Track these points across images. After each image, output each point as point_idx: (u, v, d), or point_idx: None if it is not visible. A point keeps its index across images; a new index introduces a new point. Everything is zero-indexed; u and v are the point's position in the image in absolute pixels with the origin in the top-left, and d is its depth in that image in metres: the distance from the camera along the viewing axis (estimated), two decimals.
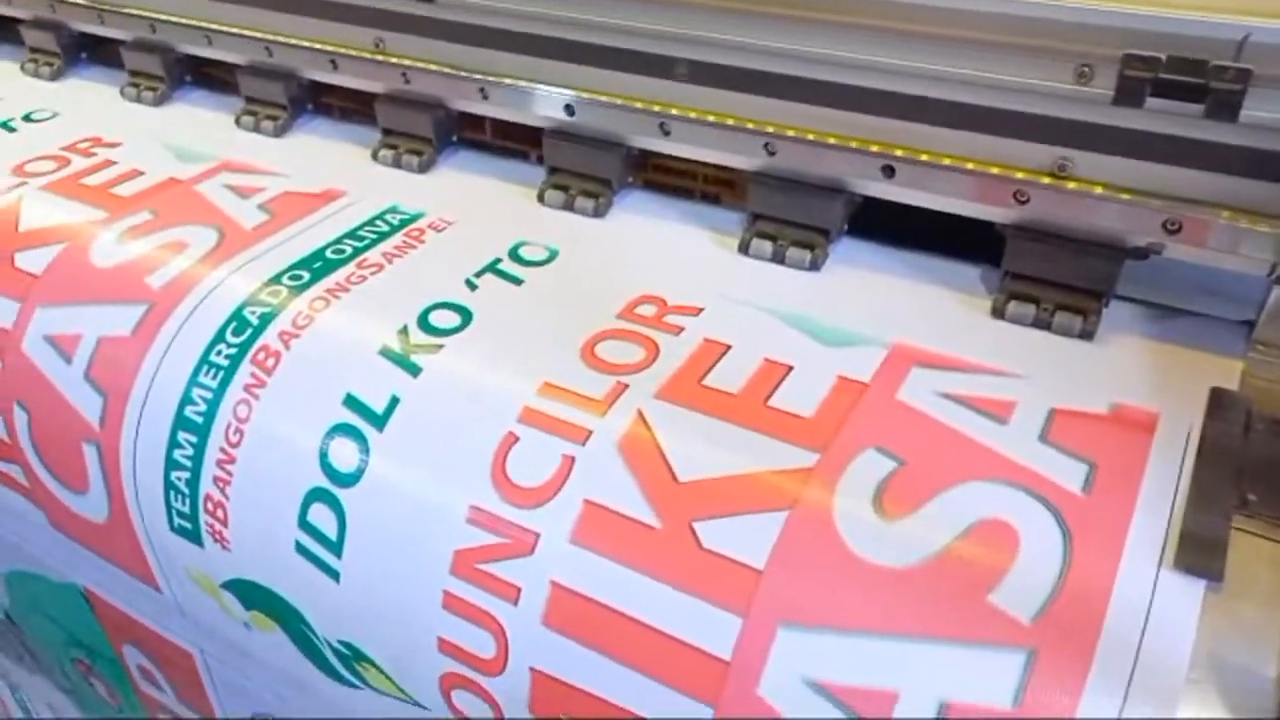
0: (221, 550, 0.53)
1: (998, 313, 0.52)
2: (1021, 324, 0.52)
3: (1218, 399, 0.45)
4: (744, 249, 0.58)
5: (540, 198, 0.64)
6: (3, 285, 0.61)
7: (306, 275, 0.55)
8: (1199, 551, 0.38)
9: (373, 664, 0.50)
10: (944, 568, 0.38)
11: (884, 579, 0.38)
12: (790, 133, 0.56)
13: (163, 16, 0.79)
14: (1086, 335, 0.50)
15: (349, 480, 0.48)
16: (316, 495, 0.49)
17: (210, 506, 0.52)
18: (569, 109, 0.62)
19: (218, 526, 0.53)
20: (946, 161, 0.52)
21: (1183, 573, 0.37)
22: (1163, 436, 0.43)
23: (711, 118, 0.58)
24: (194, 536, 0.54)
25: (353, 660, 0.51)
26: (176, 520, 0.55)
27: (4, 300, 0.60)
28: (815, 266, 0.57)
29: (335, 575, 0.49)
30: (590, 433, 0.45)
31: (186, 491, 0.53)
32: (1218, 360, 0.48)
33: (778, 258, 0.58)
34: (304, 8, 0.71)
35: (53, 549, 0.67)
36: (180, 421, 0.53)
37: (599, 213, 0.63)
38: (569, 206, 0.63)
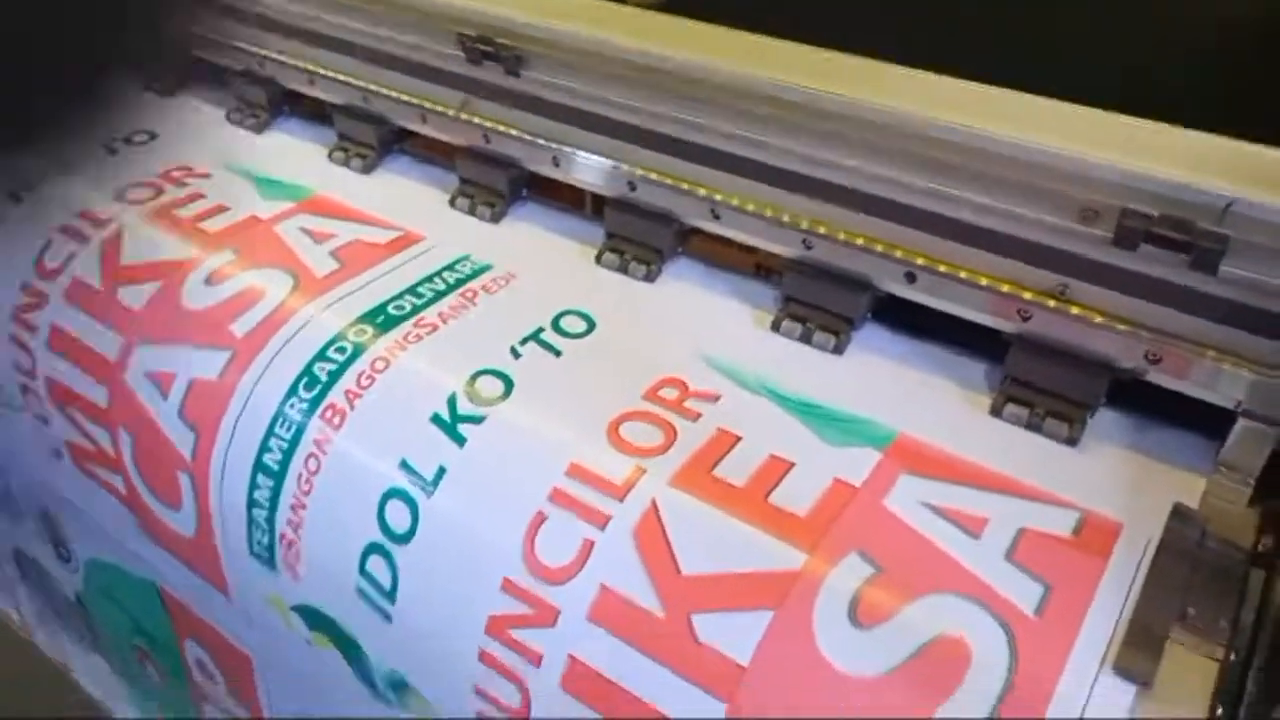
0: (293, 579, 0.61)
1: (995, 412, 0.57)
2: (1016, 424, 0.56)
3: (1177, 514, 0.49)
4: (775, 327, 0.64)
5: (598, 258, 0.70)
6: (109, 316, 0.69)
7: (370, 331, 0.62)
8: (1134, 657, 0.43)
9: (416, 694, 0.57)
10: (903, 679, 0.43)
11: (850, 687, 0.44)
12: (825, 230, 0.61)
13: (270, 55, 0.86)
14: (1071, 442, 0.55)
15: (402, 539, 0.55)
16: (374, 548, 0.56)
17: (285, 542, 0.60)
18: (631, 185, 0.68)
19: (291, 559, 0.60)
20: (962, 275, 0.57)
21: (1117, 675, 0.42)
22: (1122, 547, 0.48)
23: (755, 207, 0.63)
24: (270, 564, 0.62)
25: (398, 688, 0.58)
26: (256, 547, 0.62)
27: (110, 332, 0.68)
28: (839, 350, 0.62)
29: (389, 618, 0.56)
30: (609, 518, 0.51)
31: (265, 526, 0.61)
32: (1186, 476, 0.53)
33: (805, 339, 0.63)
34: (402, 66, 0.78)
35: (138, 548, 0.75)
36: (259, 466, 0.60)
37: (650, 278, 0.69)
38: (623, 270, 0.69)
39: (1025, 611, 0.45)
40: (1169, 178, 0.47)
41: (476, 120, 0.74)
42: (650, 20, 0.67)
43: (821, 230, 0.61)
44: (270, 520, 0.61)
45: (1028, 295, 0.55)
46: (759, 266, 0.69)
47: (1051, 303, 0.54)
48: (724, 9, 0.65)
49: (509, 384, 0.58)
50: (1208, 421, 0.53)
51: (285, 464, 0.60)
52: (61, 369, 0.72)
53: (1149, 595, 0.46)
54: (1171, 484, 0.52)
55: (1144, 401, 0.56)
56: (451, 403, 0.57)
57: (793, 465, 0.53)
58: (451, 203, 0.77)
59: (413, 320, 0.63)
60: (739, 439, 0.54)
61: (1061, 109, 0.53)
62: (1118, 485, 0.52)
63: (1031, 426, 0.56)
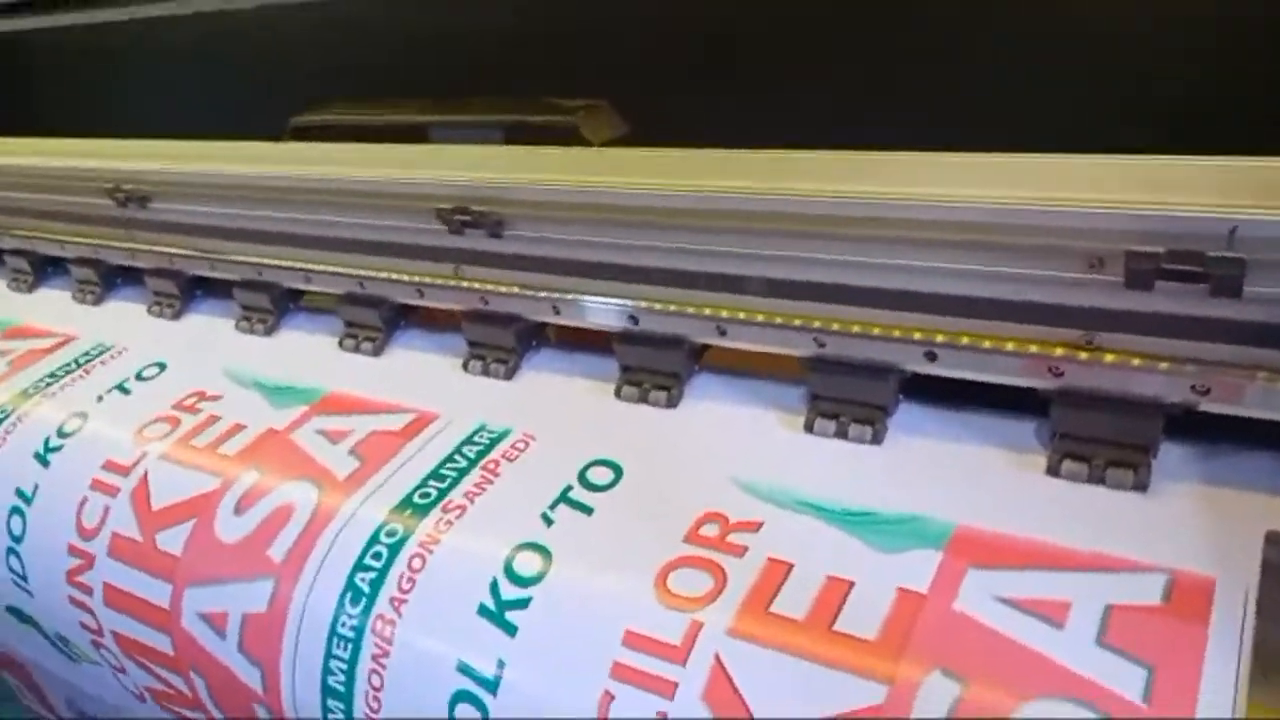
0: None
1: (1052, 471, 0.54)
2: (1076, 481, 0.53)
3: (1273, 542, 0.46)
4: (809, 428, 0.62)
5: (617, 393, 0.69)
6: (154, 567, 0.69)
7: (400, 530, 0.61)
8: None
9: None
10: None
11: None
12: (835, 328, 0.59)
13: (267, 261, 0.87)
14: (1140, 488, 0.52)
15: None
16: None
17: None
18: (633, 318, 0.67)
19: None
20: (983, 344, 0.54)
21: None
22: (1221, 602, 0.45)
23: (762, 317, 0.62)
24: None
25: None
26: None
27: (158, 582, 0.68)
28: (877, 440, 0.59)
29: None
30: (676, 685, 0.48)
31: None
32: (1271, 500, 0.49)
33: (841, 434, 0.60)
34: (390, 249, 0.78)
35: None
36: (326, 689, 0.59)
37: (671, 403, 0.67)
38: (644, 400, 0.68)
39: (1133, 699, 0.42)
40: (1167, 212, 0.45)
41: (471, 285, 0.74)
42: (615, 157, 0.67)
43: (832, 327, 0.59)
44: None
45: (1055, 352, 0.52)
46: None
47: (1081, 355, 0.51)
48: (685, 127, 0.64)
49: (547, 555, 0.56)
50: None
51: (350, 683, 0.58)
52: (123, 623, 0.72)
53: (1264, 640, 0.42)
54: (1256, 512, 0.49)
55: (1209, 428, 0.52)
56: (494, 590, 0.55)
57: (852, 584, 0.50)
58: (464, 367, 0.76)
59: (440, 505, 0.61)
60: (791, 566, 0.52)
61: (1043, 161, 0.51)
62: (1198, 528, 0.49)
63: (1094, 480, 0.53)
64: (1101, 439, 0.53)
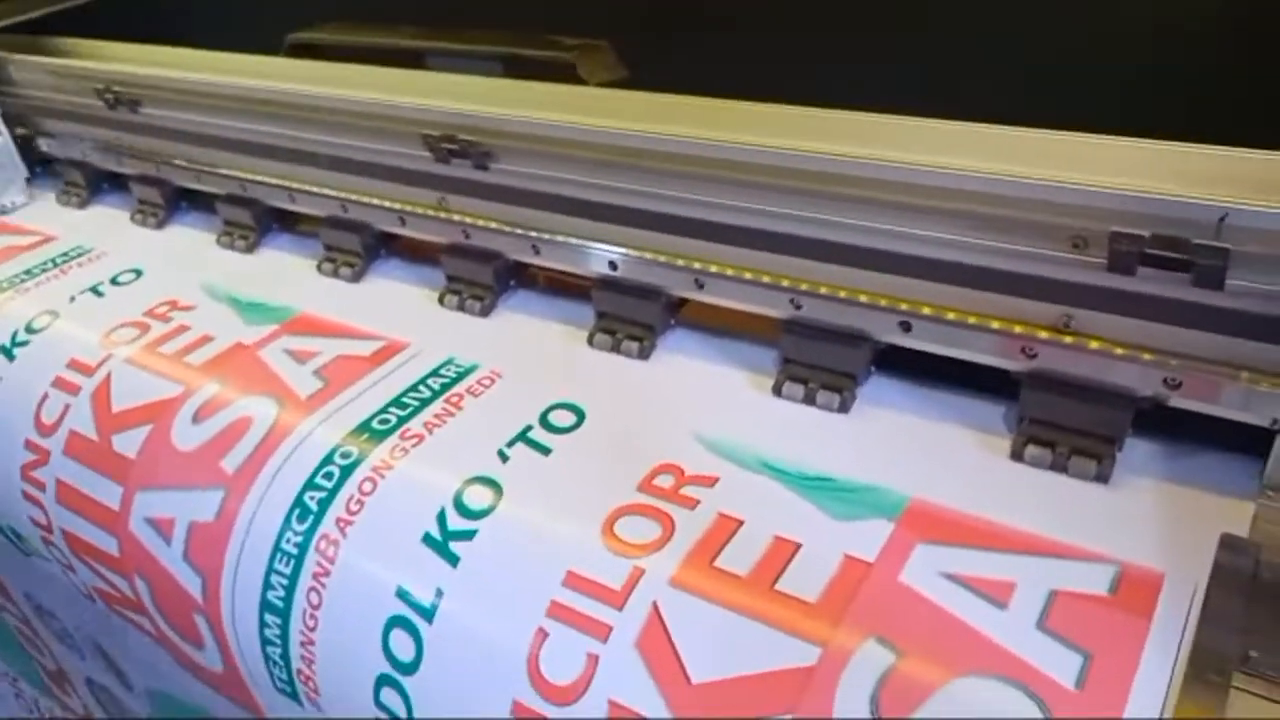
0: (318, 710, 0.59)
1: (1016, 456, 0.53)
2: (1039, 467, 0.52)
3: (1226, 546, 0.45)
4: (777, 391, 0.61)
5: (590, 340, 0.68)
6: (107, 468, 0.68)
7: (355, 453, 0.60)
8: (1194, 714, 0.39)
9: None
10: None
11: None
12: (813, 289, 0.58)
13: (252, 177, 0.86)
14: (1101, 479, 0.51)
15: (409, 668, 0.53)
16: (385, 680, 0.54)
17: (303, 678, 0.58)
18: (612, 264, 0.66)
19: (312, 694, 0.59)
20: (957, 318, 0.53)
21: None
22: (1166, 597, 0.44)
23: (744, 273, 0.61)
24: (294, 697, 0.60)
25: None
26: (277, 682, 0.61)
27: (110, 483, 0.67)
28: (844, 409, 0.59)
29: None
30: (611, 629, 0.48)
31: (281, 662, 0.59)
32: (1231, 503, 0.48)
33: (808, 400, 0.60)
34: (375, 173, 0.77)
35: (181, 680, 0.75)
36: (265, 604, 0.58)
37: (643, 354, 0.66)
38: (616, 349, 0.67)
39: (1065, 685, 0.41)
40: (1155, 195, 0.44)
41: (454, 217, 0.73)
42: (609, 98, 0.66)
43: (807, 288, 0.58)
44: (285, 657, 0.59)
45: (1030, 332, 0.51)
46: None
47: (1056, 337, 0.50)
48: (686, 77, 0.63)
49: (498, 490, 0.55)
50: (1248, 440, 0.49)
51: (289, 600, 0.58)
52: (73, 522, 0.71)
53: (1204, 642, 0.41)
54: (1215, 514, 0.48)
55: (1178, 426, 0.52)
56: (441, 519, 0.55)
57: (799, 546, 0.49)
58: (440, 301, 0.75)
59: (398, 433, 0.60)
60: (741, 523, 0.51)
61: (1036, 136, 0.50)
62: (1156, 524, 0.48)
63: (1056, 468, 0.52)
64: (1068, 426, 0.52)
